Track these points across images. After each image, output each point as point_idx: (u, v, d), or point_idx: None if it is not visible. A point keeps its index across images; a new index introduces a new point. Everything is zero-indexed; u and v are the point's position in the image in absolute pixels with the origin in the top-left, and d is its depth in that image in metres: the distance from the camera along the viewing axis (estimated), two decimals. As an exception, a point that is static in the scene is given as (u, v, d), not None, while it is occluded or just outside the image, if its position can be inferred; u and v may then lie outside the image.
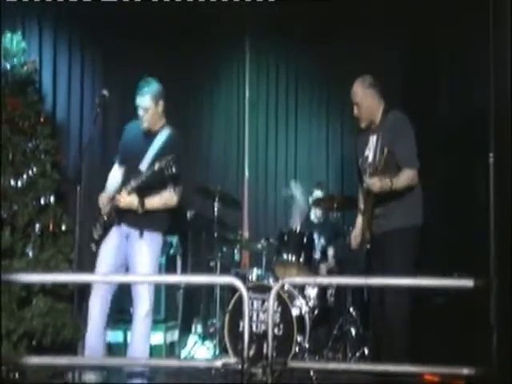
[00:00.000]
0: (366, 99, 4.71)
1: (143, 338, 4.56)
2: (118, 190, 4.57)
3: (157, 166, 4.34)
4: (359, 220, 4.89)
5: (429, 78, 6.42)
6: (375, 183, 4.45)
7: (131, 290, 4.56)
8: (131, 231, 4.59)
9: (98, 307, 4.50)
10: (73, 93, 7.08)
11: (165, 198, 4.60)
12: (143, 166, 4.57)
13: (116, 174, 4.86)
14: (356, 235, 4.83)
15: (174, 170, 4.32)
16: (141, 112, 4.63)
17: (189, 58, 7.22)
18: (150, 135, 4.69)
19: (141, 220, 4.52)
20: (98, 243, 4.62)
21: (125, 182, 4.57)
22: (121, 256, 4.61)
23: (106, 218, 4.61)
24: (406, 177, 4.54)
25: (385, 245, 4.57)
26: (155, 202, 4.56)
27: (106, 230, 4.63)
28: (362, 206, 4.88)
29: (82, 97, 7.10)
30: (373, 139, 4.73)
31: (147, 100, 4.60)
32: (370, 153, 4.73)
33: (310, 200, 6.46)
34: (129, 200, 4.46)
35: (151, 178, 4.41)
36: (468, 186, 5.52)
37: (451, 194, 5.92)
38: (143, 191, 4.48)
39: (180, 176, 4.50)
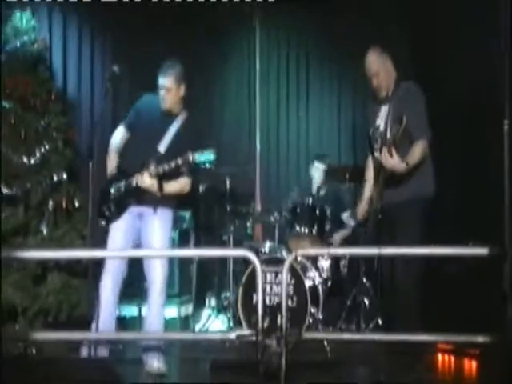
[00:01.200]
0: (383, 67, 4.68)
1: (157, 314, 4.57)
2: (140, 170, 4.51)
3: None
4: (367, 190, 4.87)
5: (439, 47, 6.33)
6: (388, 161, 4.41)
7: (143, 267, 4.57)
8: (144, 209, 4.59)
9: (109, 288, 4.50)
10: (83, 69, 7.08)
11: (181, 185, 4.62)
12: (162, 147, 4.58)
13: (119, 137, 4.81)
14: (363, 206, 4.80)
15: (210, 166, 4.37)
16: (162, 92, 4.60)
17: (199, 32, 7.16)
18: (168, 116, 4.67)
19: (153, 198, 4.52)
20: (109, 221, 4.60)
21: (144, 160, 4.51)
22: (133, 236, 4.61)
23: (117, 195, 4.60)
24: (421, 150, 4.50)
25: (395, 216, 4.55)
26: (173, 187, 4.57)
27: (119, 208, 4.61)
28: (370, 176, 4.86)
29: (92, 73, 7.10)
30: (385, 109, 4.70)
31: (171, 81, 4.57)
32: (381, 122, 4.70)
33: (314, 173, 6.44)
34: (150, 183, 4.45)
35: (175, 167, 4.41)
36: (482, 154, 5.47)
37: (465, 164, 5.87)
38: (163, 176, 4.48)
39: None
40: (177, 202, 4.76)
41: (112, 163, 4.74)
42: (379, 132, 4.69)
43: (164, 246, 4.58)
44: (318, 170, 6.42)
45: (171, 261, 5.87)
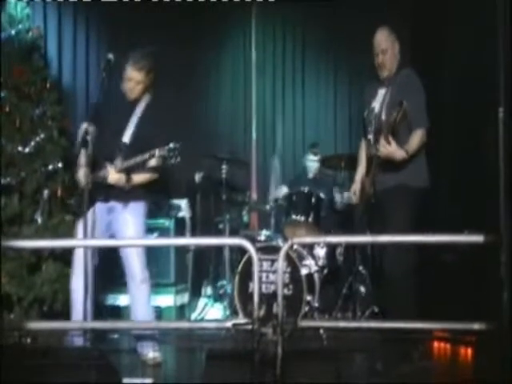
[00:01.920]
0: (391, 46, 4.66)
1: (143, 304, 4.52)
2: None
3: (157, 153, 4.22)
4: (358, 174, 4.85)
5: (436, 35, 6.30)
6: (387, 148, 4.38)
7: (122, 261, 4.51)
8: (114, 204, 4.52)
9: (80, 284, 4.22)
10: (78, 58, 7.08)
11: (151, 175, 4.53)
12: (126, 137, 4.50)
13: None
14: (355, 190, 4.79)
15: (178, 159, 4.21)
16: (131, 84, 4.51)
17: (196, 22, 7.13)
18: (132, 104, 4.59)
19: (123, 194, 4.45)
20: (76, 214, 4.53)
21: (108, 153, 4.44)
22: (102, 229, 4.49)
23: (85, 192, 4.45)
24: (419, 138, 4.48)
25: (384, 202, 4.53)
26: (142, 177, 4.48)
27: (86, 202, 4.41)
28: (362, 158, 4.84)
29: (87, 62, 7.10)
30: (381, 92, 4.68)
31: (141, 73, 4.48)
32: (376, 105, 4.67)
33: (308, 162, 6.45)
34: (117, 178, 4.37)
35: (141, 162, 4.32)
36: (477, 142, 5.45)
37: (460, 153, 5.85)
38: (132, 169, 4.40)
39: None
40: (149, 192, 4.63)
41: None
42: (374, 114, 4.66)
43: (137, 237, 4.52)
44: (311, 161, 6.43)
45: (167, 250, 5.90)
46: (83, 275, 4.12)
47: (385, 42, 4.66)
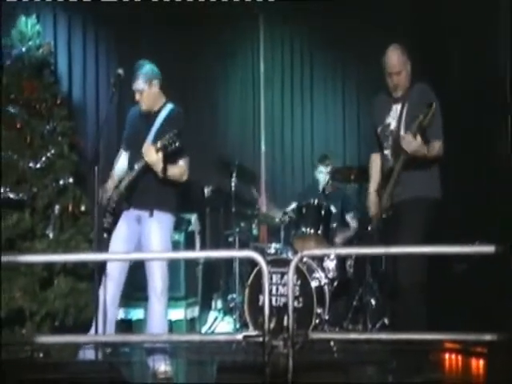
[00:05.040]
0: (404, 66, 4.64)
1: (160, 316, 4.54)
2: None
3: (159, 144, 4.28)
4: (372, 187, 4.85)
5: (441, 46, 6.32)
6: (411, 142, 4.33)
7: (145, 271, 4.54)
8: (141, 213, 4.55)
9: (111, 294, 4.39)
10: (88, 73, 7.12)
11: (180, 170, 4.55)
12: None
13: (122, 161, 4.78)
14: (373, 202, 4.77)
15: (177, 144, 4.26)
16: (137, 96, 4.58)
17: (204, 34, 7.18)
18: (150, 116, 4.63)
19: (150, 200, 4.49)
20: (110, 231, 4.56)
21: (131, 167, 4.52)
22: (134, 241, 4.56)
23: (114, 205, 4.54)
24: (438, 148, 4.48)
25: (400, 214, 4.53)
26: (175, 171, 4.50)
27: (115, 216, 4.56)
28: (375, 173, 4.84)
29: (97, 77, 7.14)
30: (396, 108, 4.66)
31: (140, 83, 4.54)
32: (392, 121, 4.66)
33: (319, 174, 6.46)
34: (156, 158, 4.33)
35: (172, 141, 4.31)
36: (488, 152, 5.45)
37: (470, 165, 5.85)
38: (164, 156, 4.39)
39: (184, 150, 4.45)
40: (175, 204, 4.67)
41: (110, 186, 4.64)
42: (389, 130, 4.66)
43: (162, 250, 4.52)
44: (321, 173, 6.44)
45: (177, 263, 5.90)
46: (114, 288, 4.29)
47: (398, 64, 4.61)
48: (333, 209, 5.91)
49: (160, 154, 4.33)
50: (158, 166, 4.38)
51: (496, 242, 3.53)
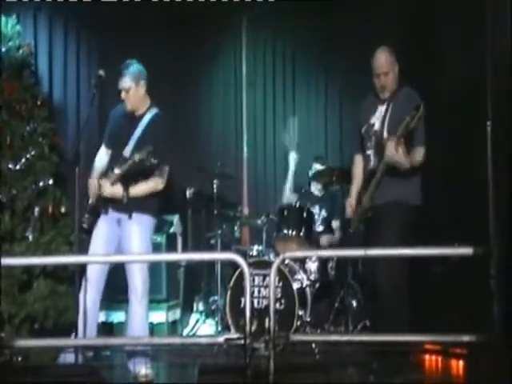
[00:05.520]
0: (392, 67, 4.66)
1: (141, 319, 4.53)
2: (101, 177, 4.50)
3: (137, 157, 4.26)
4: (354, 188, 4.86)
5: (425, 50, 6.34)
6: (395, 155, 4.33)
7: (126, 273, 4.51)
8: (121, 216, 4.52)
9: (91, 297, 4.38)
10: (69, 74, 7.06)
11: (151, 185, 4.50)
12: (127, 151, 4.49)
13: (102, 157, 4.76)
14: (351, 204, 4.79)
15: (153, 161, 4.24)
16: (123, 94, 4.55)
17: (186, 36, 7.15)
18: (134, 119, 4.61)
19: (129, 203, 4.44)
20: (89, 232, 4.53)
21: (108, 169, 4.51)
22: (114, 242, 4.54)
23: (93, 205, 4.51)
24: (421, 154, 4.50)
25: (378, 217, 4.55)
26: (140, 189, 4.46)
27: (95, 217, 4.53)
28: (358, 174, 4.85)
29: (78, 78, 7.08)
30: (381, 109, 4.68)
31: (127, 81, 4.52)
32: (376, 121, 4.68)
33: (310, 174, 6.45)
34: (112, 190, 4.38)
35: (134, 167, 4.32)
36: (466, 156, 5.48)
37: (449, 168, 5.87)
38: (128, 180, 4.39)
39: (162, 164, 4.43)
40: (156, 207, 4.64)
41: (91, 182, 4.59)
42: (373, 130, 4.68)
43: (142, 252, 4.48)
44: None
45: (158, 266, 5.87)
46: (95, 291, 4.27)
47: (386, 65, 4.65)
48: (315, 211, 5.92)
49: (117, 185, 4.36)
50: (117, 196, 4.39)
51: (475, 244, 3.57)
